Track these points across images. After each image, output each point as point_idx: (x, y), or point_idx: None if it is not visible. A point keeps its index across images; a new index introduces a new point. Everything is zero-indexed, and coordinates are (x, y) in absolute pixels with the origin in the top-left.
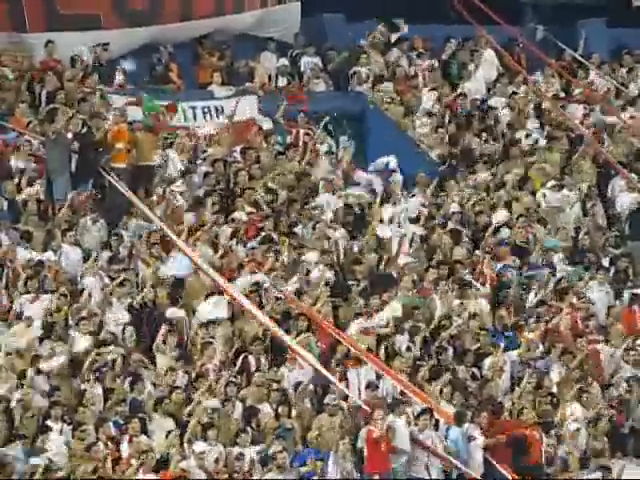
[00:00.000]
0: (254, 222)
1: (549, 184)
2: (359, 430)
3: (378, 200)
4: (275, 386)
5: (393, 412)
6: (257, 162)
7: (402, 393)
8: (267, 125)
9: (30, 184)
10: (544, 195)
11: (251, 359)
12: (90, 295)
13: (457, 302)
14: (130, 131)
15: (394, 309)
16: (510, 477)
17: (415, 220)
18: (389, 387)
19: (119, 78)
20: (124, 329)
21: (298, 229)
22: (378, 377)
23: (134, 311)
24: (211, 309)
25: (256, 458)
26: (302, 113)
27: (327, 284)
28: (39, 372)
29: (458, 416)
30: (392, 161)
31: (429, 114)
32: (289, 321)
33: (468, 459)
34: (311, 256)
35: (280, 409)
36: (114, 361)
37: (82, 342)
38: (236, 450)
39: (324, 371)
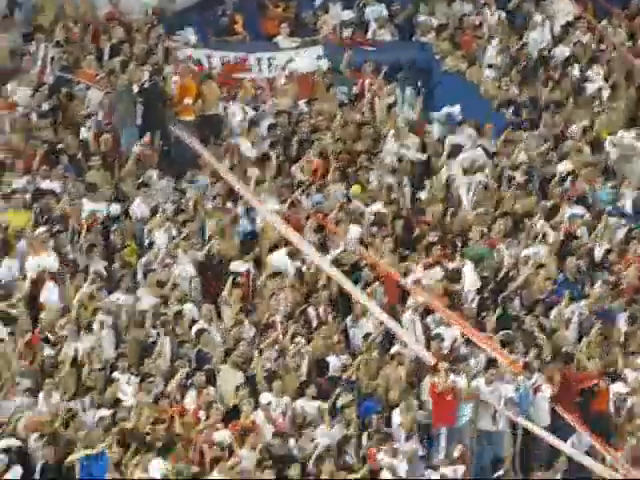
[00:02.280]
0: (318, 172)
1: (618, 133)
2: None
3: (445, 152)
4: (337, 338)
5: (455, 371)
6: (321, 113)
7: (468, 342)
8: (331, 75)
9: (100, 134)
10: (613, 144)
11: (311, 311)
12: (159, 248)
13: (524, 252)
14: (197, 84)
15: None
16: (578, 426)
17: (480, 170)
18: (454, 339)
19: (187, 32)
20: (190, 282)
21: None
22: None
23: (200, 264)
24: (280, 260)
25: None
26: (368, 63)
27: (392, 235)
28: (104, 324)
29: (526, 367)
30: (456, 111)
31: (493, 66)
32: (357, 272)
33: (535, 410)
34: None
35: (346, 360)
36: (179, 312)
37: (148, 297)
38: (301, 403)
39: (389, 322)
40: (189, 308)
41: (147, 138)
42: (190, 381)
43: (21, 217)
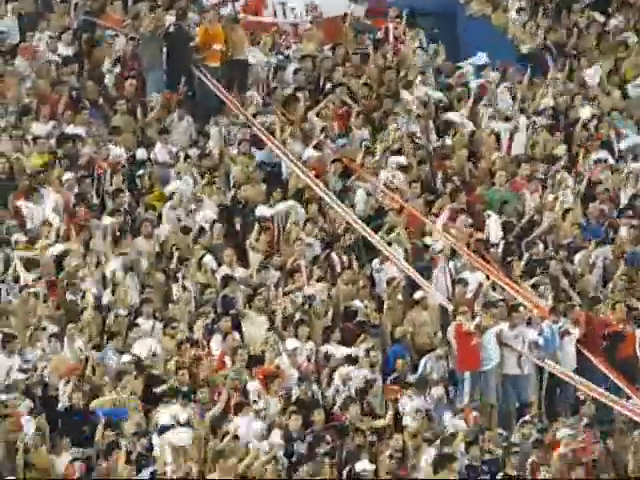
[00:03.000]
0: (342, 116)
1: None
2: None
3: (472, 98)
4: (362, 282)
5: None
6: (347, 59)
7: (494, 287)
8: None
9: (125, 79)
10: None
11: (334, 256)
12: (182, 195)
13: (550, 197)
14: (223, 29)
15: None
16: (605, 370)
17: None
18: (479, 284)
19: None
20: (212, 226)
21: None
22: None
23: (225, 208)
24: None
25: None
26: (392, 8)
27: (417, 181)
28: (129, 269)
29: (552, 311)
30: (483, 57)
31: (519, 10)
32: (382, 217)
33: (562, 354)
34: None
35: (370, 305)
36: (202, 257)
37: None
38: (326, 348)
39: (410, 268)
40: (209, 259)
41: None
42: (215, 326)
43: (45, 161)
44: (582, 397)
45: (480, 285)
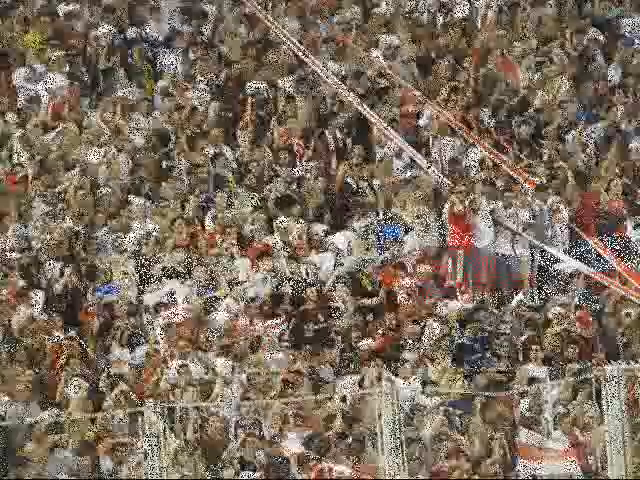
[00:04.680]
0: None
1: None
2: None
3: None
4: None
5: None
6: None
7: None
8: None
9: None
10: None
11: (328, 135)
12: (175, 74)
13: (542, 76)
14: None
15: None
16: (600, 250)
17: None
18: (473, 161)
19: None
20: (209, 104)
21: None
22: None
23: (218, 87)
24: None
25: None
26: None
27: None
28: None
29: (539, 189)
30: None
31: None
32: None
33: (552, 232)
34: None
35: (360, 183)
36: (195, 135)
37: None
38: (318, 227)
39: (406, 144)
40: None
41: None
42: (207, 204)
43: (37, 37)
44: (574, 277)
45: (481, 162)
